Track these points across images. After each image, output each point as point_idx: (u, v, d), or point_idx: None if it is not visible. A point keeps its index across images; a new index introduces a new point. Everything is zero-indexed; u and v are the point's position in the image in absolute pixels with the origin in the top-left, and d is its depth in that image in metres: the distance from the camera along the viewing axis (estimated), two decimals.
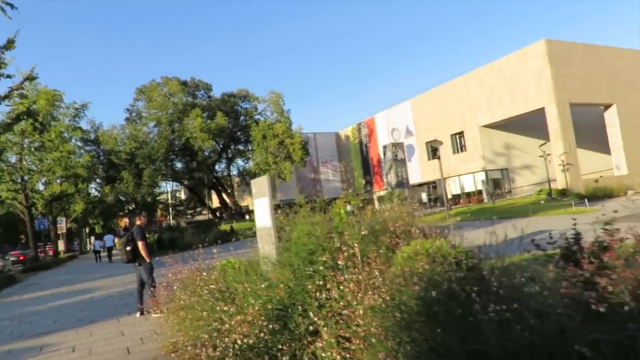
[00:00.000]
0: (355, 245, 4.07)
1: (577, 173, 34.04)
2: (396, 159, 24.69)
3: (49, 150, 31.79)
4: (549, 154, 32.95)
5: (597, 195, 29.47)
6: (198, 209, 63.62)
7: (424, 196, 45.00)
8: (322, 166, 60.06)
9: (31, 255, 31.40)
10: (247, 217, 52.78)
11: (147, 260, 7.49)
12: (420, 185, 45.77)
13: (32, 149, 32.40)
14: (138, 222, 7.72)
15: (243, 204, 60.52)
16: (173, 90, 43.80)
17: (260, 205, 6.94)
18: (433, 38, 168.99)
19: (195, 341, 4.51)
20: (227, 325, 3.76)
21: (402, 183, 24.99)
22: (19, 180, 29.59)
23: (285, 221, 6.11)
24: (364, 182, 56.77)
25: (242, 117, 48.45)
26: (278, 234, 6.61)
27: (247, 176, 52.26)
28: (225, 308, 3.90)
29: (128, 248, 7.42)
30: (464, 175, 42.18)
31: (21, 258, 36.81)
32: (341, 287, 3.65)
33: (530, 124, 39.81)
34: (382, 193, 54.29)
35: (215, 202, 59.93)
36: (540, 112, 36.20)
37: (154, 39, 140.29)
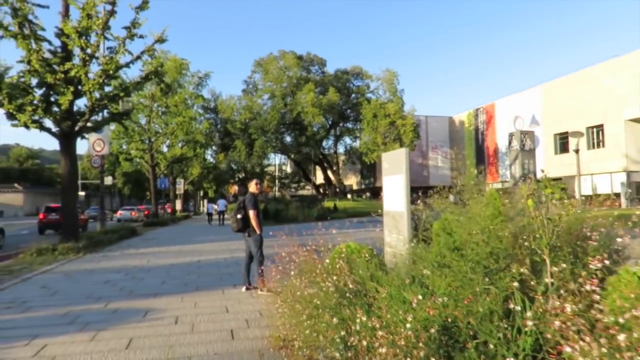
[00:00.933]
0: (545, 256, 2.83)
1: None
2: (523, 149, 21.94)
3: (174, 114, 33.86)
4: None
5: None
6: (302, 184, 64.82)
7: None
8: (431, 151, 57.26)
9: (152, 211, 34.09)
10: (349, 196, 52.41)
11: (257, 231, 6.84)
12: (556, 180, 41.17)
13: (159, 113, 34.79)
14: (251, 189, 7.08)
15: (347, 182, 60.26)
16: (289, 64, 44.22)
17: (392, 184, 5.82)
18: (569, 20, 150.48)
19: (312, 344, 3.62)
20: (363, 342, 2.75)
21: (527, 176, 22.18)
22: (147, 140, 31.98)
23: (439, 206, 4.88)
24: (476, 172, 52.84)
25: (353, 95, 47.57)
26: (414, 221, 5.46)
27: (353, 155, 51.65)
28: (363, 318, 2.88)
29: (239, 216, 6.81)
30: (598, 175, 36.97)
31: (146, 213, 40.39)
32: (542, 317, 2.43)
33: None
34: (496, 185, 50.28)
35: (319, 179, 60.43)
36: None
37: (273, 13, 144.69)
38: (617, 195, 35.70)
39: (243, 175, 64.74)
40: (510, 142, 22.54)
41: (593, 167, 36.80)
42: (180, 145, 37.43)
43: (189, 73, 39.44)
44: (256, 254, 6.83)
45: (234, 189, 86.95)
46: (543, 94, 42.41)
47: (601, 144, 37.36)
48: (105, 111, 15.84)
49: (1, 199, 54.66)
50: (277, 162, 60.36)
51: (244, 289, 6.92)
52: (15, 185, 61.16)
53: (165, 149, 37.82)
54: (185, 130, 35.72)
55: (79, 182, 58.12)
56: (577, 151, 21.45)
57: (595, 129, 37.68)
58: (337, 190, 48.76)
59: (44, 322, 5.32)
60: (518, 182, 22.55)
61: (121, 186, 70.27)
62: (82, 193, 58.05)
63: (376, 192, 60.05)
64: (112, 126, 34.27)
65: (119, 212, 40.63)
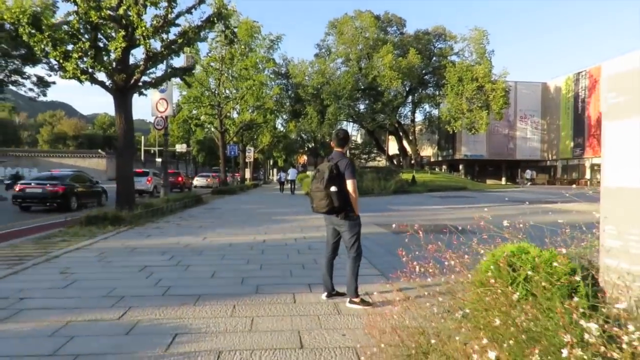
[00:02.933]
0: None
1: None
2: None
3: (244, 79, 32.29)
4: None
5: None
6: (373, 154, 61.87)
7: None
8: (519, 121, 51.71)
9: (222, 179, 33.20)
10: (426, 168, 48.83)
11: (356, 213, 4.43)
12: None
13: (230, 77, 33.39)
14: (339, 148, 4.50)
15: (423, 153, 56.43)
16: (365, 25, 40.86)
17: (629, 134, 2.99)
18: None
19: None
20: None
21: None
22: (216, 105, 30.74)
23: None
24: (572, 145, 47.06)
25: (435, 58, 43.36)
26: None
27: (432, 124, 47.78)
28: None
29: (333, 189, 4.21)
30: None
31: (217, 180, 39.99)
32: None
33: None
34: (597, 160, 44.32)
35: (392, 149, 57.19)
36: None
37: None
38: None
39: (313, 145, 63.04)
40: None
41: None
42: (250, 111, 36.01)
43: (260, 36, 37.59)
44: (351, 247, 4.41)
45: (303, 158, 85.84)
46: None
47: None
48: (166, 65, 14.14)
49: (86, 164, 57.31)
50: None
51: (324, 295, 4.63)
52: (99, 151, 64.05)
53: (235, 115, 36.61)
54: (256, 95, 34.13)
55: (156, 149, 59.65)
56: None
57: None
58: (413, 162, 45.40)
59: (16, 347, 3.37)
60: None
61: (195, 153, 71.51)
62: (158, 160, 59.49)
63: (454, 165, 55.74)
64: (180, 91, 33.57)
65: (196, 178, 40.53)
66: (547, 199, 20.27)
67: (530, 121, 51.80)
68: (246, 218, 12.74)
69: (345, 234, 4.41)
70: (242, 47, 34.67)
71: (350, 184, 4.27)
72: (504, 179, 53.15)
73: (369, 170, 34.38)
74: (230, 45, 27.82)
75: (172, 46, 11.70)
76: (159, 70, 13.81)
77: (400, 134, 46.10)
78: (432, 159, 59.03)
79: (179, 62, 40.92)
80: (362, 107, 44.72)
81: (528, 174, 45.95)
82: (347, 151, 4.56)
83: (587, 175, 45.17)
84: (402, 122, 46.70)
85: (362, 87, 40.06)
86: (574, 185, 38.02)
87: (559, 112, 49.03)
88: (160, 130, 17.07)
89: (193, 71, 15.97)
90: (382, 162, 58.54)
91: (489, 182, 48.36)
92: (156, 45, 11.88)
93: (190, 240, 8.52)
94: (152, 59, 11.74)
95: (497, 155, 52.01)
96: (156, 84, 13.30)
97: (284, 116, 47.44)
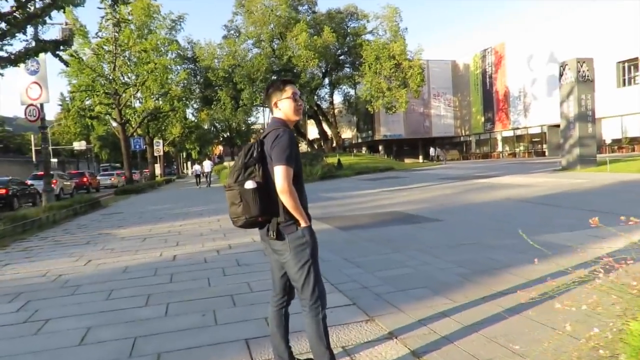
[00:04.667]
0: None
1: None
2: (582, 80, 17.57)
3: (144, 62, 28.68)
4: None
5: None
6: None
7: None
8: (433, 99, 52.76)
9: (127, 177, 29.44)
10: (348, 150, 48.07)
11: (303, 222, 2.31)
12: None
13: (127, 61, 29.53)
14: (278, 118, 2.43)
15: (344, 136, 55.71)
16: (275, 3, 38.51)
17: None
18: None
19: None
20: None
21: (585, 115, 17.97)
22: (113, 93, 26.89)
23: None
24: (483, 120, 48.83)
25: (349, 37, 42.21)
26: None
27: (352, 105, 46.93)
28: None
29: (249, 184, 2.20)
30: (630, 116, 33.13)
31: (123, 178, 35.95)
32: None
33: None
34: (507, 133, 46.36)
35: (311, 134, 55.87)
36: None
37: None
38: None
39: (228, 134, 59.67)
40: (562, 73, 18.08)
41: (623, 107, 32.88)
42: (154, 99, 32.35)
43: (160, 16, 33.83)
44: (303, 289, 2.33)
45: (219, 149, 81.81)
46: (562, 28, 37.73)
47: (633, 80, 33.33)
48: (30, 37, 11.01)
49: None
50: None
51: None
52: None
53: (137, 104, 32.73)
54: (159, 81, 30.67)
55: (50, 147, 52.77)
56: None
57: (627, 64, 33.49)
58: (335, 145, 44.31)
59: None
60: (574, 123, 18.43)
61: (98, 150, 64.82)
62: (54, 160, 52.79)
63: (374, 146, 55.76)
64: (69, 79, 29.06)
65: (97, 178, 35.97)
66: (476, 174, 19.84)
67: (443, 99, 53.06)
68: (153, 224, 10.27)
69: (288, 265, 2.34)
70: (134, 29, 30.86)
71: (279, 173, 2.18)
72: (421, 157, 54.16)
73: None
74: (117, 27, 24.28)
75: (29, 5, 8.77)
76: (20, 42, 10.68)
77: (320, 117, 44.70)
78: (352, 142, 58.65)
79: (53, 34, 35.53)
80: None
81: (432, 151, 47.39)
82: (293, 111, 2.50)
83: (499, 148, 47.20)
84: (321, 105, 45.28)
85: (277, 69, 37.85)
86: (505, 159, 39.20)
87: (469, 88, 50.62)
88: (33, 122, 13.72)
89: (70, 45, 12.84)
90: (302, 147, 57.04)
91: (407, 161, 48.83)
92: (4, 5, 8.90)
93: (66, 266, 6.05)
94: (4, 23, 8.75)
95: (414, 134, 52.77)
96: (16, 60, 10.21)
97: (195, 104, 43.89)
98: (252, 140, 2.42)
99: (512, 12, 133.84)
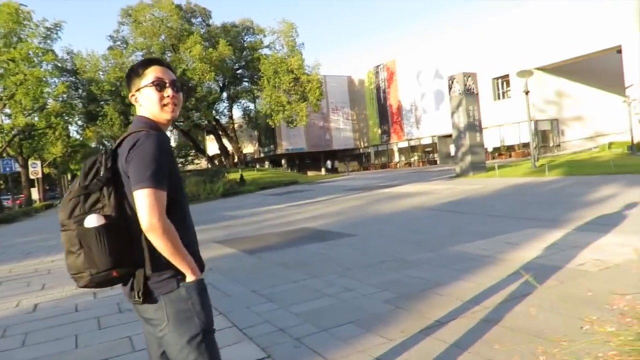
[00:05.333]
0: None
1: None
2: (469, 93, 18.71)
3: (12, 72, 25.24)
4: (627, 102, 27.22)
5: None
6: (191, 157, 57.54)
7: (453, 148, 39.44)
8: (332, 113, 53.89)
9: None
10: (256, 166, 46.93)
11: (190, 274, 1.51)
12: (449, 136, 40.14)
13: None
14: (143, 116, 1.62)
15: (246, 151, 54.43)
16: (166, 14, 36.51)
17: None
18: None
19: None
20: None
21: (474, 125, 19.15)
22: None
23: None
24: (380, 132, 50.89)
25: (246, 51, 41.44)
26: None
27: (252, 120, 46.02)
28: None
29: (92, 223, 1.39)
30: (506, 126, 36.59)
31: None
32: None
33: (587, 68, 34.03)
34: (402, 144, 48.72)
35: (212, 149, 53.82)
36: (604, 53, 30.51)
37: None
38: (525, 145, 35.63)
39: None
40: (450, 87, 19.13)
41: (500, 118, 36.24)
42: (26, 114, 28.57)
43: (32, 23, 30.23)
44: None
45: None
46: (447, 47, 40.87)
47: (506, 94, 36.95)
48: None
49: None
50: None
51: None
52: None
53: (6, 121, 28.73)
54: (32, 94, 27.15)
55: None
56: (527, 92, 18.84)
57: (501, 80, 37.07)
58: (236, 160, 42.97)
59: None
60: (464, 132, 19.55)
61: None
62: None
63: (277, 160, 55.28)
64: None
65: None
66: (379, 184, 20.15)
67: (342, 112, 54.46)
68: (17, 261, 8.50)
69: (167, 342, 1.53)
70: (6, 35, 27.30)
71: (142, 200, 1.39)
72: (323, 169, 54.84)
73: (191, 174, 30.77)
74: None
75: None
76: None
77: (220, 132, 43.11)
78: (255, 156, 57.62)
79: None
80: None
81: (329, 164, 48.64)
82: (159, 105, 1.68)
83: (396, 158, 49.43)
84: (220, 120, 43.76)
85: None
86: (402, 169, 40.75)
87: (365, 102, 52.55)
88: None
89: None
90: (202, 164, 54.68)
91: (310, 173, 49.07)
92: None
93: None
94: None
95: (316, 147, 53.33)
96: None
97: (79, 121, 39.80)
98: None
99: (402, 32, 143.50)
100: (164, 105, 1.60)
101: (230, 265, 5.93)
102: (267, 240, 7.80)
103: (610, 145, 28.14)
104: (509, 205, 9.72)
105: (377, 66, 50.37)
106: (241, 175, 26.78)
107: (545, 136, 35.62)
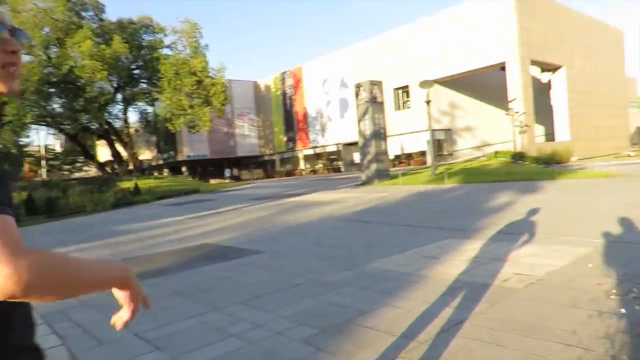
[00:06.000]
0: None
1: (532, 136, 31.86)
2: (374, 102, 19.00)
3: None
4: (510, 114, 29.85)
5: (553, 160, 27.62)
6: (79, 164, 52.32)
7: (357, 156, 40.39)
8: (237, 119, 52.51)
9: None
10: (147, 173, 43.77)
11: (124, 272, 0.94)
12: (353, 144, 41.08)
13: None
14: None
15: (142, 157, 50.82)
16: (52, 5, 32.76)
17: None
18: None
19: None
20: None
21: (379, 133, 19.48)
22: None
23: None
24: (285, 139, 50.60)
25: (144, 51, 38.70)
26: None
27: (150, 124, 43.05)
28: None
29: None
30: (406, 135, 38.31)
31: None
32: None
33: (475, 83, 37.02)
34: (307, 152, 48.87)
35: (103, 156, 49.43)
36: (490, 69, 33.38)
37: None
38: (423, 153, 37.61)
39: None
40: (357, 94, 19.29)
41: (401, 127, 37.87)
42: None
43: None
44: None
45: None
46: (352, 56, 41.89)
47: (407, 104, 38.72)
48: None
49: None
50: (41, 138, 46.84)
51: None
52: None
53: None
54: None
55: None
56: (428, 102, 19.58)
57: (401, 91, 38.76)
58: (131, 167, 39.77)
59: None
60: (370, 140, 19.77)
61: None
62: None
63: (177, 168, 52.38)
64: None
65: None
66: (286, 192, 19.63)
67: (247, 118, 53.31)
68: None
69: None
70: None
71: None
72: (229, 177, 53.14)
73: (76, 183, 27.64)
74: None
75: None
76: None
77: (113, 137, 39.62)
78: (153, 163, 54.05)
79: None
80: (57, 105, 36.14)
81: (227, 172, 47.59)
82: None
83: (302, 166, 49.43)
84: (114, 124, 40.24)
85: (55, 80, 32.07)
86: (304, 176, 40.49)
87: (271, 109, 51.99)
88: None
89: None
90: (91, 171, 49.94)
91: (213, 181, 47.15)
92: None
93: None
94: None
95: (220, 154, 51.51)
96: None
97: None
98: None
99: (307, 39, 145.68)
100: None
101: (108, 298, 4.90)
102: (161, 261, 6.77)
103: (496, 154, 30.60)
104: (418, 214, 9.69)
105: (284, 72, 50.14)
106: (136, 184, 24.60)
107: (440, 145, 37.85)
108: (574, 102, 34.79)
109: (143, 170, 45.36)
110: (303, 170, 48.87)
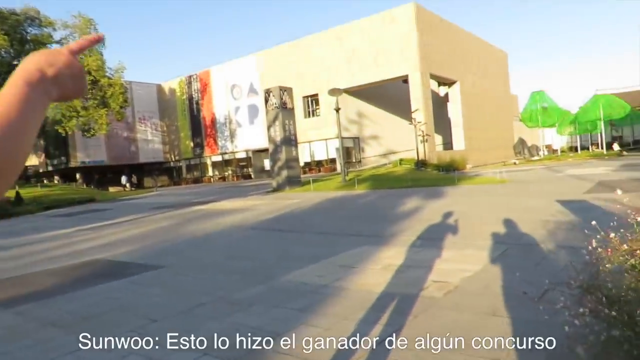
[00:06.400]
0: None
1: (433, 145, 33.77)
2: (284, 108, 18.76)
3: None
4: (413, 124, 31.40)
5: (452, 167, 29.57)
6: None
7: (267, 163, 39.96)
8: (139, 123, 49.28)
9: None
10: (41, 181, 39.24)
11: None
12: (263, 150, 40.53)
13: None
14: None
15: (28, 163, 45.39)
16: None
17: None
18: None
19: None
20: None
21: (290, 139, 19.25)
22: None
23: None
24: (192, 145, 48.51)
25: (29, 45, 34.78)
26: None
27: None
28: None
29: None
30: (316, 142, 38.68)
31: None
32: None
33: (382, 93, 38.60)
34: (216, 158, 47.29)
35: None
36: (395, 81, 34.97)
37: None
38: (332, 160, 38.22)
39: None
40: (267, 100, 18.92)
41: (311, 135, 38.15)
42: None
43: None
44: None
45: None
46: (261, 62, 41.42)
47: (316, 112, 39.11)
48: None
49: None
50: None
51: None
52: None
53: None
54: None
55: None
56: (337, 110, 19.76)
57: (310, 99, 39.08)
58: None
59: None
60: (280, 146, 19.40)
61: None
62: None
63: (70, 175, 47.70)
64: None
65: None
66: (193, 200, 18.57)
67: (150, 123, 50.26)
68: None
69: None
70: None
71: None
72: (127, 185, 49.55)
73: None
74: None
75: None
76: None
77: None
78: (41, 170, 48.66)
79: None
80: None
81: (124, 179, 44.84)
82: None
83: (210, 172, 47.69)
84: None
85: None
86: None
87: (177, 113, 49.60)
88: None
89: None
90: None
91: (112, 189, 43.67)
92: None
93: None
94: None
95: (119, 160, 47.88)
96: None
97: None
98: None
99: (216, 43, 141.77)
100: None
101: None
102: (38, 282, 5.76)
103: (401, 161, 31.97)
104: (332, 221, 9.52)
105: (190, 76, 48.11)
106: (17, 193, 21.75)
107: (349, 152, 38.75)
108: (467, 114, 37.59)
109: (28, 177, 40.68)
110: (211, 177, 47.19)
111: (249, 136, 42.78)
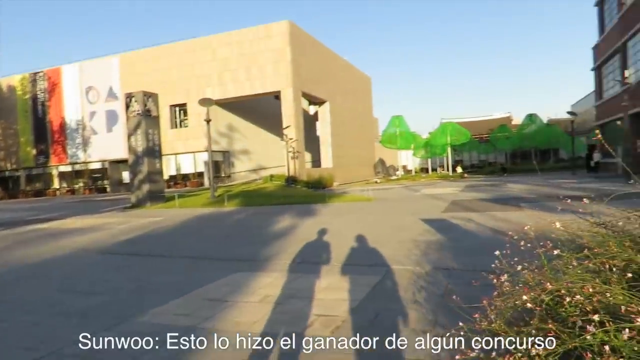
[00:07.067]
0: None
1: (303, 162, 34.26)
2: (148, 115, 17.22)
3: None
4: (285, 140, 31.50)
5: (320, 184, 30.43)
6: None
7: (126, 175, 36.68)
8: None
9: None
10: None
11: None
12: (122, 161, 36.95)
13: None
14: None
15: None
16: None
17: None
18: None
19: None
20: None
21: (153, 150, 17.64)
22: None
23: None
24: (35, 152, 42.25)
25: None
26: None
27: None
28: None
29: None
30: (183, 155, 36.57)
31: None
32: None
33: (254, 108, 38.33)
34: (64, 168, 41.80)
35: None
36: (267, 95, 34.99)
37: None
38: (200, 174, 36.50)
39: None
40: (128, 105, 17.18)
41: (178, 146, 35.99)
42: None
43: None
44: None
45: None
46: (123, 64, 38.03)
47: (184, 123, 37.06)
48: None
49: None
50: None
51: None
52: None
53: None
54: None
55: None
56: (208, 121, 18.71)
57: (178, 108, 36.94)
58: None
59: None
60: (142, 157, 17.56)
61: None
62: None
63: None
64: None
65: None
66: (30, 217, 15.80)
67: None
68: None
69: None
70: None
71: None
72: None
73: None
74: None
75: None
76: None
77: None
78: None
79: None
80: None
81: None
82: None
83: (56, 184, 41.91)
84: None
85: None
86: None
87: (16, 115, 42.87)
88: None
89: None
90: None
91: None
92: None
93: None
94: None
95: None
96: None
97: None
98: None
99: (69, 38, 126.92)
100: None
101: None
102: None
103: (271, 177, 31.78)
104: (199, 242, 8.62)
105: (36, 73, 42.04)
106: None
107: (218, 167, 37.39)
108: (335, 133, 39.11)
109: None
110: (58, 189, 41.55)
111: (106, 145, 38.76)
